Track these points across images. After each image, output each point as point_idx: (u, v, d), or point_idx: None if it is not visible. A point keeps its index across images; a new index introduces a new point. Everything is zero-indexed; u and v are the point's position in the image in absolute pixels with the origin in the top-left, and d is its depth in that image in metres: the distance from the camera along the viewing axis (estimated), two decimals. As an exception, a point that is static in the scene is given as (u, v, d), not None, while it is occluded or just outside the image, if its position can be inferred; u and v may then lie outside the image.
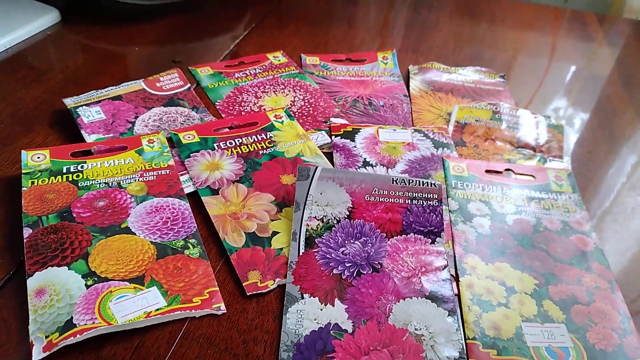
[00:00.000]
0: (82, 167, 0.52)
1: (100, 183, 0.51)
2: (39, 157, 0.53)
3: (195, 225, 0.48)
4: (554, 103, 0.74)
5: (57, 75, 0.70)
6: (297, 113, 0.64)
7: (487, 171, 0.57)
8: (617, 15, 1.04)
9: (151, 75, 0.68)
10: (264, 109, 0.65)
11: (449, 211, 0.52)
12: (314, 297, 0.43)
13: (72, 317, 0.39)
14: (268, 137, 0.59)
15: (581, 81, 0.80)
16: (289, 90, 0.69)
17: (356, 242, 0.48)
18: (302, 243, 0.47)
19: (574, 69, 0.83)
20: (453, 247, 0.48)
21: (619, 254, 0.51)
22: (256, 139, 0.59)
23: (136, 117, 0.61)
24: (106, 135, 0.58)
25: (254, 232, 0.48)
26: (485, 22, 0.94)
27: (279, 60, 0.75)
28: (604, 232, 0.53)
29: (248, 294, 0.44)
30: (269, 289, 0.44)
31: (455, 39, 0.88)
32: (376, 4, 1.00)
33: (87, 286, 0.42)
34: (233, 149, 0.57)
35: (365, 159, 0.58)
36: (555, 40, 0.91)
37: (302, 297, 0.43)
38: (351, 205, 0.50)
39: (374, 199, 0.51)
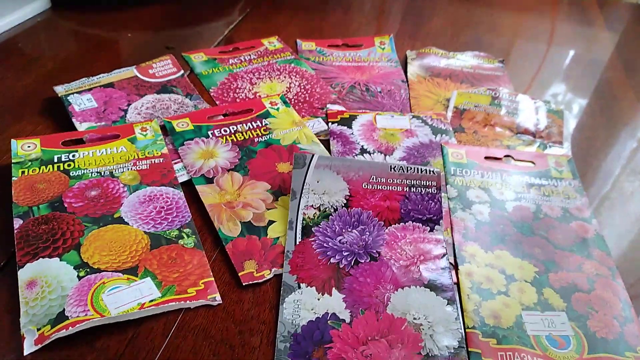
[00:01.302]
0: (73, 156, 0.51)
1: (92, 172, 0.50)
2: (29, 146, 0.51)
3: (190, 214, 0.48)
4: (553, 88, 0.73)
5: (48, 63, 0.68)
6: (293, 100, 0.63)
7: (486, 158, 0.56)
8: (616, -1, 1.03)
9: (144, 61, 0.67)
10: (259, 96, 0.64)
11: (448, 198, 0.51)
12: (311, 286, 0.43)
13: (64, 309, 0.39)
14: (263, 124, 0.58)
15: (581, 66, 0.79)
16: (285, 77, 0.67)
17: (354, 230, 0.47)
18: (299, 232, 0.46)
19: (573, 54, 0.82)
20: (452, 235, 0.48)
21: (619, 238, 0.50)
22: (251, 127, 0.58)
23: (129, 105, 0.60)
24: (98, 124, 0.57)
25: (249, 221, 0.48)
26: (483, 7, 0.93)
27: (274, 46, 0.74)
28: (603, 217, 0.53)
29: (244, 284, 0.43)
30: (265, 279, 0.43)
31: (453, 24, 0.87)
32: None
33: (80, 277, 0.41)
34: (228, 136, 0.56)
35: (362, 146, 0.57)
36: (554, 25, 0.90)
37: (299, 287, 0.42)
38: (349, 194, 0.49)
39: (372, 186, 0.50)
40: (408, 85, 0.69)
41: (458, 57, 0.75)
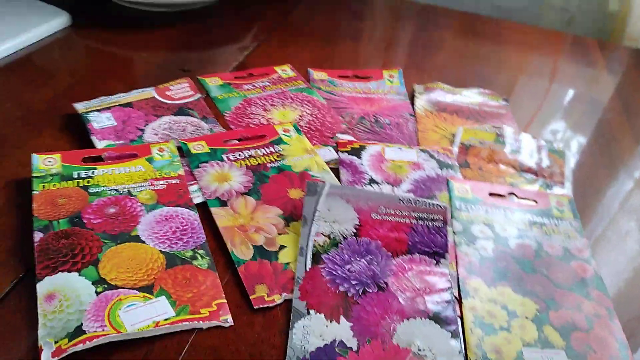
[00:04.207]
0: (92, 173, 0.53)
1: (110, 190, 0.51)
2: (50, 161, 0.53)
3: (204, 236, 0.49)
4: (554, 125, 0.75)
5: (66, 79, 0.70)
6: (304, 127, 0.65)
7: (490, 194, 0.58)
8: (617, 41, 1.06)
9: (159, 82, 0.69)
10: (272, 122, 0.66)
11: (453, 232, 0.53)
12: (319, 313, 0.44)
13: (81, 324, 0.40)
14: (276, 150, 0.60)
15: (581, 105, 0.82)
16: (297, 105, 0.69)
17: (362, 260, 0.48)
18: (309, 259, 0.48)
19: (574, 93, 0.85)
20: (457, 269, 0.49)
21: (614, 277, 0.52)
22: (265, 152, 0.59)
23: (146, 125, 0.61)
24: (116, 142, 0.58)
25: (261, 245, 0.49)
26: (489, 43, 0.96)
27: (287, 74, 0.76)
28: (600, 256, 0.54)
29: (255, 308, 0.44)
30: (275, 304, 0.45)
31: (459, 58, 0.89)
32: (382, 20, 1.01)
33: (97, 293, 0.42)
34: (242, 160, 0.58)
35: (371, 176, 0.59)
36: (556, 64, 0.93)
37: (308, 313, 0.44)
38: (358, 223, 0.51)
39: (381, 217, 0.52)
40: (415, 118, 0.71)
41: (464, 93, 0.77)
